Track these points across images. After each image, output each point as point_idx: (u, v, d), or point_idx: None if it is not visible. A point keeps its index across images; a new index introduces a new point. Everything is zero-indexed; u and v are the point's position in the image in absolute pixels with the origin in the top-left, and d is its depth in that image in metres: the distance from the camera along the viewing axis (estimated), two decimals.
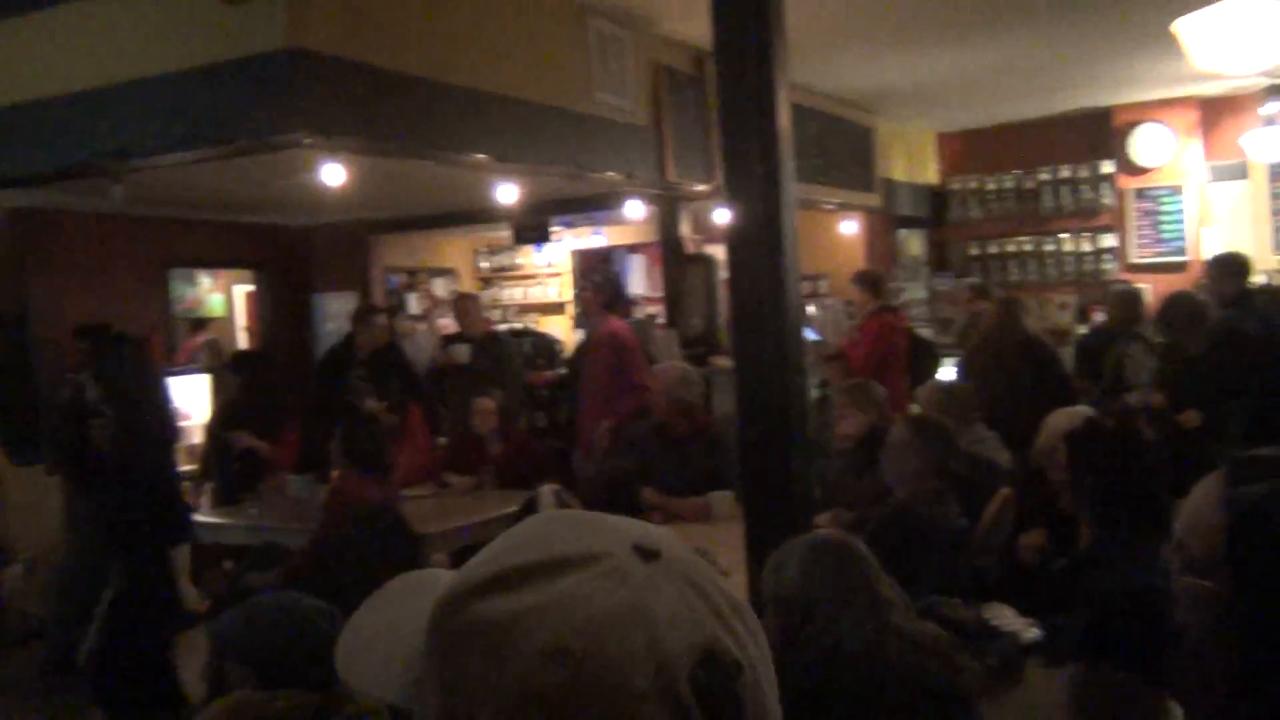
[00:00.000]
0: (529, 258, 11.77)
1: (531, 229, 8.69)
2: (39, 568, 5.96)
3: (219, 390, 7.42)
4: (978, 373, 6.02)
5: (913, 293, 10.00)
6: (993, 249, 10.83)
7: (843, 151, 8.89)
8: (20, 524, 5.84)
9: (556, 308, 11.75)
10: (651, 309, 10.39)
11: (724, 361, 7.10)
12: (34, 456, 6.58)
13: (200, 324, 9.49)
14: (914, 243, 10.91)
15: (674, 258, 7.67)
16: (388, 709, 1.98)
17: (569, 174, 6.07)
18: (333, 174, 5.51)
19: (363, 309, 7.66)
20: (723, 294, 7.54)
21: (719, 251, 7.88)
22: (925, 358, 7.27)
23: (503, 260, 11.86)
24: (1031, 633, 2.90)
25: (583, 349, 6.92)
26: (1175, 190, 10.10)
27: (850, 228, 9.83)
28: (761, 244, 3.12)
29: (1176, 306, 5.89)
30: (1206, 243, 9.70)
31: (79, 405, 5.26)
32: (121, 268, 8.45)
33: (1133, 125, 10.19)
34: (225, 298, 10.66)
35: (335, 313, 9.56)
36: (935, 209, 11.07)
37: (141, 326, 7.50)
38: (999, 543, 4.09)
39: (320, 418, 6.92)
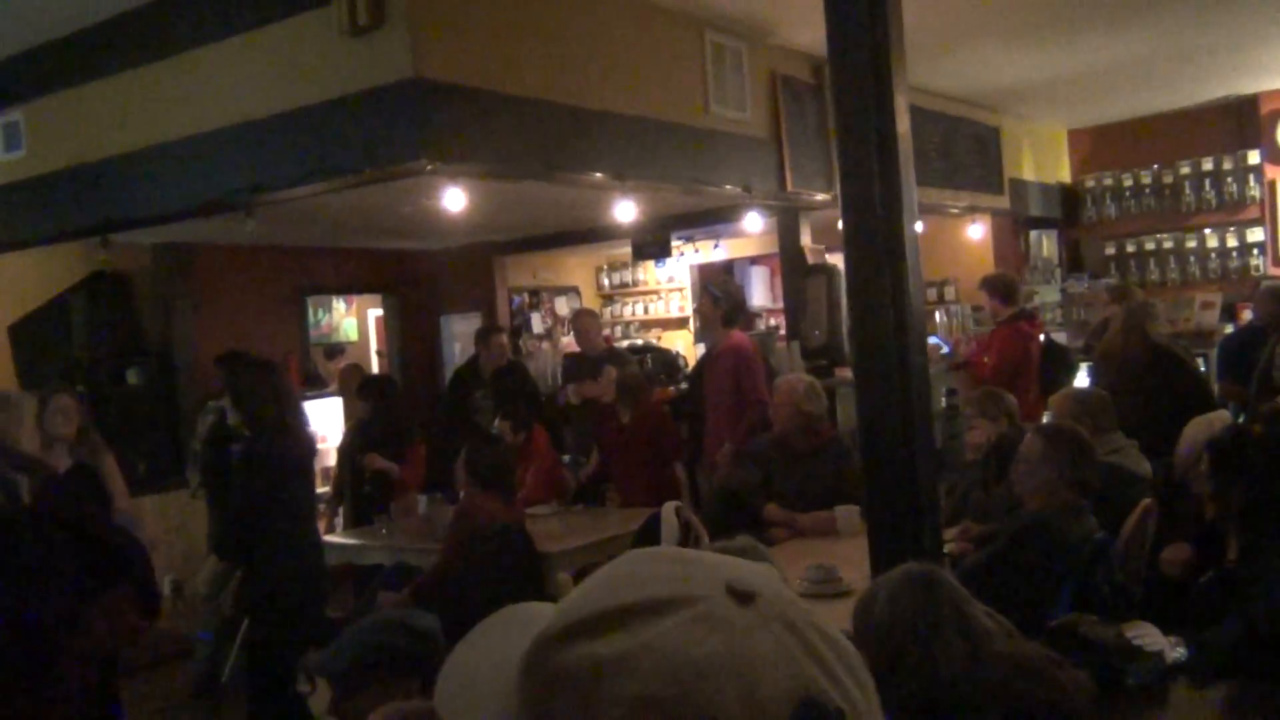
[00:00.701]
0: (650, 273, 11.82)
1: (651, 245, 8.71)
2: (185, 589, 6.21)
3: (351, 414, 7.64)
4: (1107, 381, 5.78)
5: (1045, 296, 9.68)
6: (1130, 248, 10.40)
7: (968, 153, 8.68)
8: (166, 546, 6.09)
9: (678, 323, 11.76)
10: (773, 321, 10.30)
11: (848, 373, 6.98)
12: (178, 482, 6.90)
13: (335, 349, 9.81)
14: (1046, 244, 10.57)
15: (795, 269, 7.58)
16: None
17: (688, 189, 6.07)
18: (454, 199, 5.63)
19: (483, 329, 7.82)
20: (846, 304, 7.42)
21: (841, 261, 7.76)
22: (1059, 364, 7.02)
23: (624, 277, 11.93)
24: (1178, 652, 2.76)
25: (703, 364, 6.90)
26: None
27: (978, 231, 9.58)
28: (881, 252, 3.05)
29: None
30: None
31: (220, 431, 5.48)
32: (259, 297, 8.79)
33: None
34: (358, 322, 10.99)
35: (461, 333, 9.76)
36: (1067, 208, 10.70)
37: (279, 353, 7.79)
38: (1140, 557, 3.92)
39: (447, 438, 7.07)
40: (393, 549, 5.75)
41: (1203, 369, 7.04)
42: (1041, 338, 7.14)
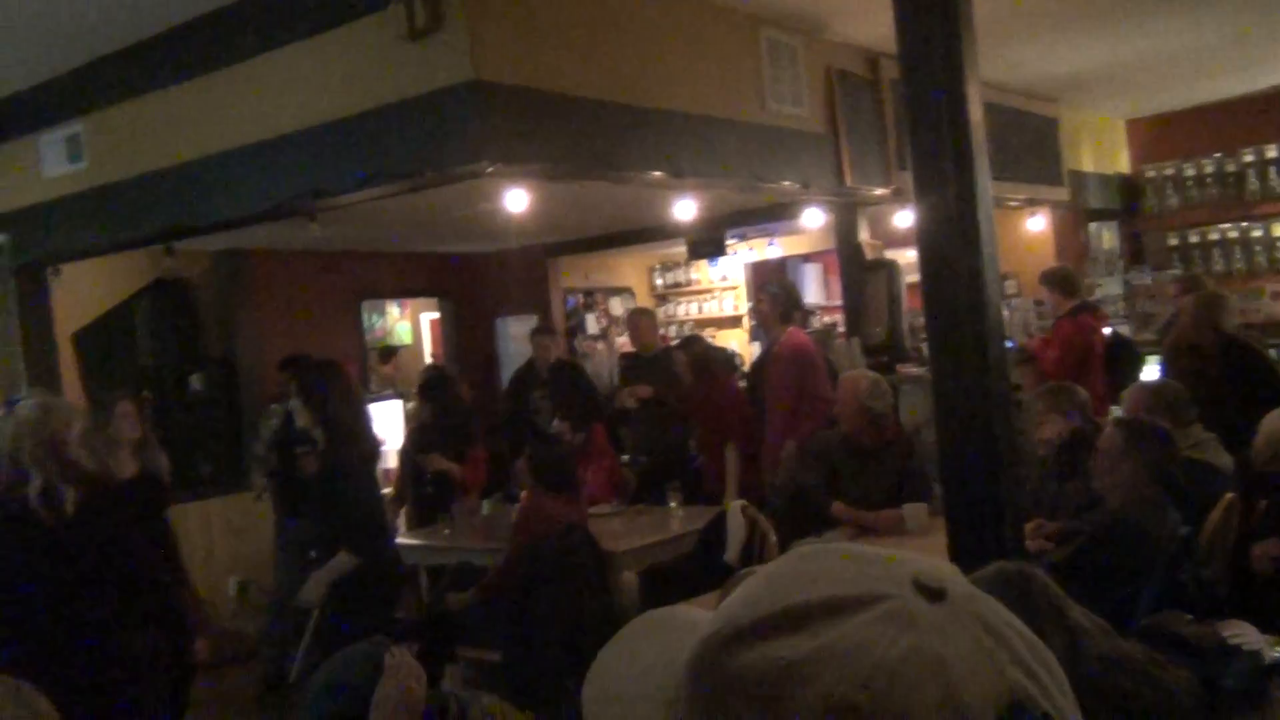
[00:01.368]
0: (703, 272, 11.77)
1: (706, 244, 8.67)
2: (251, 589, 6.27)
3: (411, 415, 7.67)
4: (1179, 373, 5.64)
5: (1108, 288, 9.51)
6: (1193, 238, 10.16)
7: (1026, 145, 8.53)
8: (231, 547, 6.16)
9: (732, 321, 11.71)
10: (828, 318, 10.22)
11: (910, 369, 6.89)
12: (242, 485, 6.97)
13: (389, 352, 9.87)
14: (1106, 236, 10.38)
15: (853, 265, 7.50)
16: None
17: (746, 186, 6.02)
18: (513, 200, 5.63)
19: (534, 330, 7.85)
20: (906, 300, 7.33)
21: (900, 256, 7.68)
22: (1126, 357, 6.87)
23: (677, 276, 11.90)
24: (1276, 651, 2.67)
25: (761, 362, 6.85)
26: None
27: (1037, 224, 9.43)
28: (956, 245, 2.99)
29: None
30: None
31: (286, 434, 5.52)
32: (317, 301, 8.88)
33: None
34: (412, 326, 11.05)
35: (517, 335, 9.78)
36: (1128, 199, 10.49)
37: (337, 357, 7.84)
38: (1224, 553, 3.81)
39: (507, 439, 7.08)
40: (456, 550, 5.76)
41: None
42: (1106, 331, 7.01)
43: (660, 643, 0.71)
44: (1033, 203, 8.97)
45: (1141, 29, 7.17)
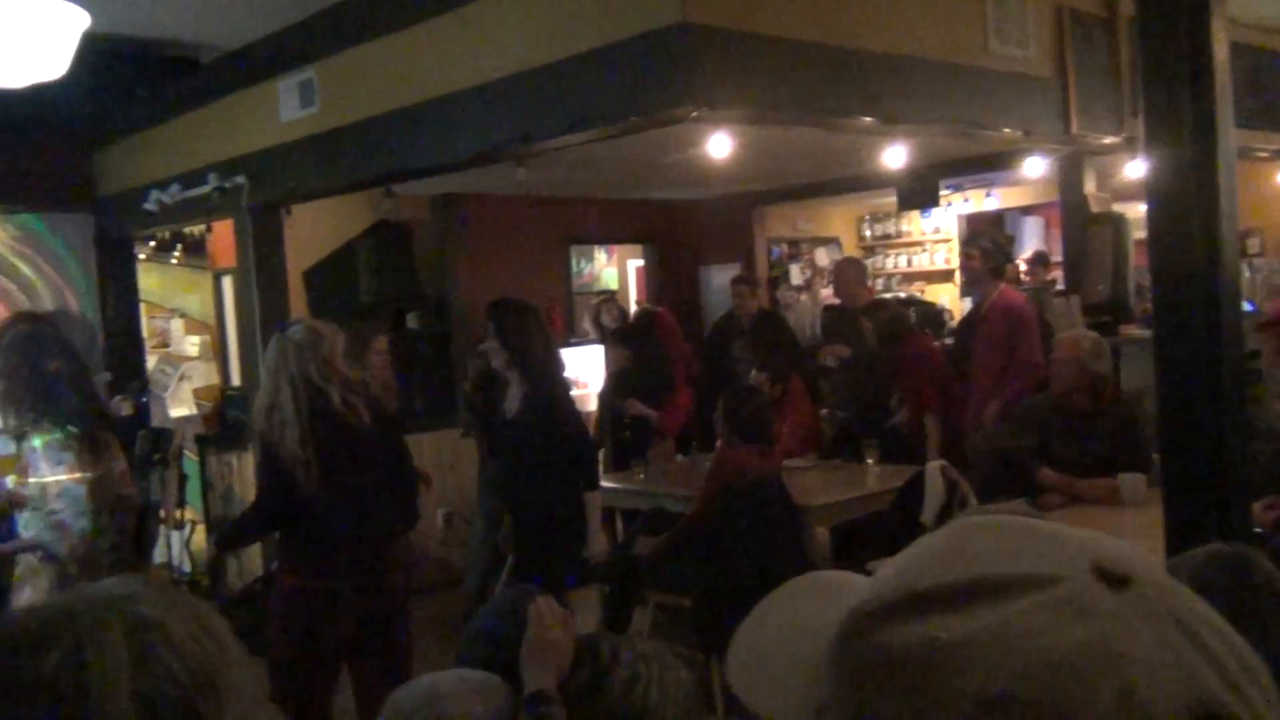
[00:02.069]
0: (915, 224, 11.39)
1: (918, 194, 8.35)
2: (456, 520, 6.53)
3: (611, 360, 7.77)
4: None
5: None
6: None
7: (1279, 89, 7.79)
8: (440, 481, 6.41)
9: (942, 275, 11.30)
10: (1049, 276, 9.71)
11: (1134, 330, 6.47)
12: (451, 421, 7.26)
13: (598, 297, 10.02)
14: None
15: (1077, 218, 7.07)
16: None
17: (963, 132, 5.74)
18: (718, 146, 5.56)
19: (733, 279, 7.79)
20: (1134, 257, 6.87)
21: (1129, 210, 7.18)
22: None
23: (887, 228, 11.56)
24: None
25: (971, 318, 6.56)
26: None
27: None
28: (1190, 198, 2.74)
29: None
30: None
31: (487, 374, 5.69)
32: (527, 246, 9.08)
33: None
34: (618, 272, 11.18)
35: (720, 285, 9.75)
36: None
37: (545, 300, 8.02)
38: None
39: (707, 388, 7.08)
40: (651, 495, 5.82)
41: None
42: None
43: (819, 607, 0.66)
44: None
45: None
